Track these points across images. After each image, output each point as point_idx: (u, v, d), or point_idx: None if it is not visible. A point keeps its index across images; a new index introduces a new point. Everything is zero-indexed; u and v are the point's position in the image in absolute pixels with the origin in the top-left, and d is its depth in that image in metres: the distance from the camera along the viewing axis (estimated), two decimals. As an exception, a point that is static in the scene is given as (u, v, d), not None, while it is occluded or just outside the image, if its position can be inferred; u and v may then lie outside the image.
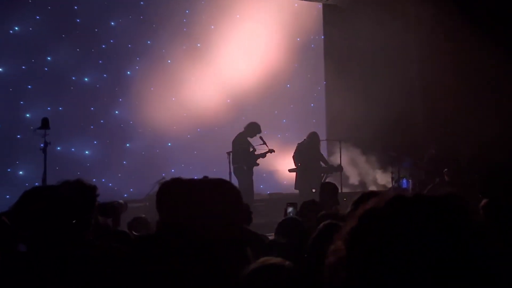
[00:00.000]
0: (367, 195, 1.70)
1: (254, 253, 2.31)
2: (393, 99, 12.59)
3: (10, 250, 2.52)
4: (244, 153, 10.31)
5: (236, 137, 10.59)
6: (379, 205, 0.98)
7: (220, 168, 11.06)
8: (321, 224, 2.52)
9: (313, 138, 10.96)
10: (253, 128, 10.57)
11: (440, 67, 12.22)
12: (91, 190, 3.00)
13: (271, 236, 4.06)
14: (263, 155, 10.62)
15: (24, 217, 2.45)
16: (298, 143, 11.03)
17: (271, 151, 10.65)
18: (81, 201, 2.82)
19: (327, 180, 10.61)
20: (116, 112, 12.48)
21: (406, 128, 12.77)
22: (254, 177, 10.73)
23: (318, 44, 14.96)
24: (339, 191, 7.47)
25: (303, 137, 11.25)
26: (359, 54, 13.73)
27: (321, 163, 11.10)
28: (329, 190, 6.24)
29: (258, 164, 10.57)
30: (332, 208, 5.33)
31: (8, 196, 8.65)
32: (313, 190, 10.02)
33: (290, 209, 5.08)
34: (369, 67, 13.48)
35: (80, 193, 2.88)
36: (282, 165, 12.41)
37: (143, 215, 5.63)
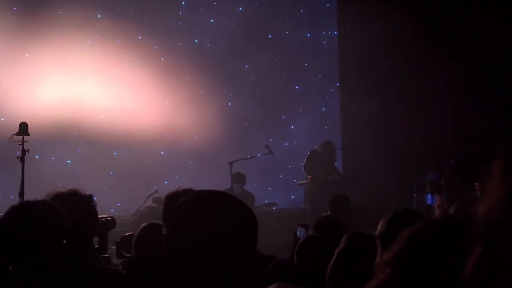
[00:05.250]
0: (401, 214, 1.75)
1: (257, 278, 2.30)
2: (420, 103, 12.51)
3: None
4: None
5: None
6: (428, 227, 1.03)
7: (219, 179, 11.07)
8: (341, 245, 2.51)
9: (327, 149, 10.86)
10: None
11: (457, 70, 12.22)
12: (89, 201, 3.04)
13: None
14: None
15: (10, 237, 2.44)
16: (311, 151, 10.95)
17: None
18: (79, 216, 2.83)
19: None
20: (103, 116, 12.49)
21: (433, 136, 12.65)
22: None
23: (331, 41, 14.96)
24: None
25: (313, 145, 11.19)
26: (379, 52, 13.63)
27: (335, 176, 11.07)
28: (340, 204, 6.23)
29: None
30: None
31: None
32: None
33: (300, 231, 4.99)
34: (393, 65, 13.33)
35: (77, 207, 2.90)
36: (289, 177, 12.39)
37: (133, 233, 5.62)
